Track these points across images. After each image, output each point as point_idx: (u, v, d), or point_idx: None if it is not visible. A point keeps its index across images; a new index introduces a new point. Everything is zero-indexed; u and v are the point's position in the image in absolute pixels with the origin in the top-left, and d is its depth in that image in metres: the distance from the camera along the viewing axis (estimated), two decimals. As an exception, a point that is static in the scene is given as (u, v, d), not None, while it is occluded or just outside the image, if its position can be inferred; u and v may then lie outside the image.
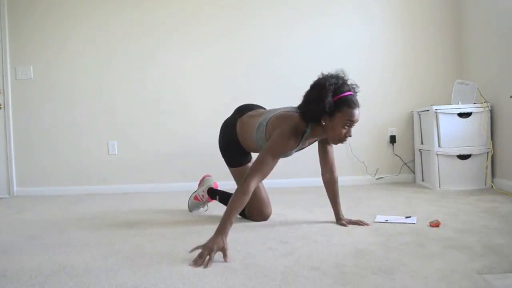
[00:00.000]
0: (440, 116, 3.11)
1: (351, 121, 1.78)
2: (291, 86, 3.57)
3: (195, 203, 2.57)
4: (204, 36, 3.64)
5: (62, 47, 3.65)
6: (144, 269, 1.50)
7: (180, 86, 3.65)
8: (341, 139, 1.83)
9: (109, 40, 3.65)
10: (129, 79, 3.65)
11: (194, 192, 2.60)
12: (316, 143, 2.18)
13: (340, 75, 1.82)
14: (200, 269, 1.49)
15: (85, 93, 3.66)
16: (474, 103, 3.14)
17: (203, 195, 2.53)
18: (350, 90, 1.80)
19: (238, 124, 2.20)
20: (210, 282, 1.36)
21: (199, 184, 2.63)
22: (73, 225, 2.30)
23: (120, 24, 3.65)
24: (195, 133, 3.61)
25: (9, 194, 3.64)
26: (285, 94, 3.52)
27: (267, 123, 1.99)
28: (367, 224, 2.07)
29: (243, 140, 2.17)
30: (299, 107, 1.89)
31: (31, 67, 3.64)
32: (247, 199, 1.73)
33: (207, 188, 2.53)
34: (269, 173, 1.82)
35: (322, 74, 1.84)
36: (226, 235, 1.65)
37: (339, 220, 2.14)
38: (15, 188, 3.65)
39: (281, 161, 3.64)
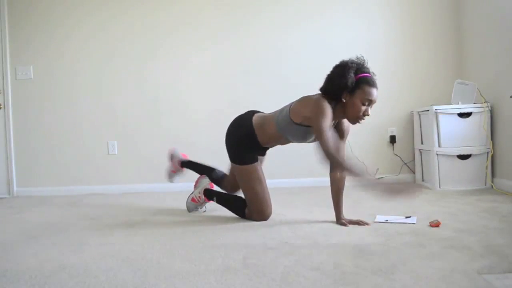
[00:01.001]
0: (440, 116, 3.11)
1: (370, 100, 1.92)
2: (291, 86, 3.58)
3: (193, 204, 2.57)
4: (204, 37, 3.65)
5: (62, 47, 3.65)
6: (144, 269, 1.50)
7: (180, 86, 3.66)
8: (359, 117, 1.96)
9: (109, 40, 3.65)
10: (129, 79, 3.65)
11: (191, 193, 2.60)
12: None
13: (360, 59, 1.99)
14: (200, 269, 1.49)
15: (85, 93, 3.66)
16: (474, 103, 3.14)
17: (199, 197, 2.53)
18: (369, 73, 1.97)
19: (254, 117, 2.24)
20: (210, 282, 1.36)
21: (195, 186, 2.64)
22: (73, 225, 2.30)
23: (120, 24, 3.65)
24: (195, 133, 3.61)
25: (9, 194, 3.64)
26: (285, 94, 3.51)
27: (290, 106, 2.08)
28: (367, 224, 2.07)
29: (260, 128, 2.17)
30: (321, 87, 2.02)
31: (31, 67, 3.64)
32: (338, 155, 1.91)
33: (203, 189, 2.53)
34: (331, 137, 1.91)
35: (344, 59, 1.99)
36: (367, 173, 1.91)
37: (339, 219, 2.14)
38: (15, 188, 3.65)
39: (281, 161, 3.65)
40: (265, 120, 2.19)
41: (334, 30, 3.64)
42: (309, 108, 1.97)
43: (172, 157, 2.78)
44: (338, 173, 2.18)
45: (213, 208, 2.59)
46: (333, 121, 2.08)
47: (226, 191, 2.48)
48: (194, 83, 3.66)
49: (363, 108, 1.93)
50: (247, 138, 2.20)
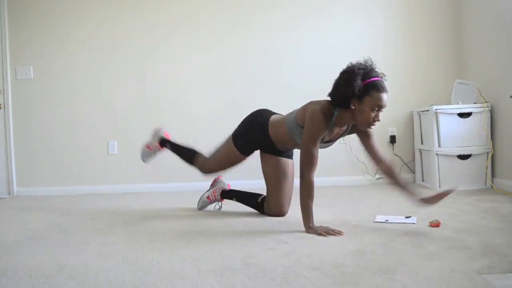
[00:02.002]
0: (440, 116, 3.11)
1: (379, 105, 1.85)
2: (291, 86, 3.58)
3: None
4: (204, 36, 3.65)
5: (62, 47, 3.65)
6: (144, 269, 1.50)
7: (180, 86, 3.66)
8: (370, 123, 1.90)
9: (109, 40, 3.65)
10: (129, 79, 3.65)
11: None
12: (359, 144, 2.15)
13: (368, 62, 1.92)
14: (200, 269, 1.49)
15: (85, 93, 3.66)
16: (474, 103, 3.14)
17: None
18: (378, 76, 1.90)
19: (271, 117, 2.28)
20: (210, 282, 1.36)
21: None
22: (73, 225, 2.30)
23: (120, 24, 3.65)
24: (195, 133, 3.60)
25: (9, 194, 3.64)
26: (285, 94, 3.53)
27: (296, 113, 2.11)
28: (448, 193, 1.94)
29: (273, 130, 2.22)
30: (329, 93, 1.98)
31: (31, 67, 3.64)
32: (313, 189, 1.96)
33: (220, 190, 2.55)
34: (317, 159, 1.96)
35: (351, 62, 1.94)
36: (312, 223, 1.94)
37: (417, 200, 2.00)
38: (15, 188, 3.65)
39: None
40: (280, 120, 2.23)
41: (334, 30, 3.64)
42: (306, 118, 1.99)
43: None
44: (384, 165, 2.07)
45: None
46: (345, 128, 2.08)
47: (199, 170, 2.49)
48: (194, 83, 3.66)
49: (373, 114, 1.87)
50: (261, 131, 2.25)
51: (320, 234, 1.88)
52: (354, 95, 1.86)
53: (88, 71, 3.66)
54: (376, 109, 1.86)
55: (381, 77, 1.92)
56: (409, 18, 3.64)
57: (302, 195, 1.96)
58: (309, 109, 1.99)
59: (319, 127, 1.93)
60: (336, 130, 2.06)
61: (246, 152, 2.33)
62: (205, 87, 3.65)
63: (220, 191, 2.54)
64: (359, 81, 1.85)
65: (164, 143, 2.63)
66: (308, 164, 1.94)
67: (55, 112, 3.65)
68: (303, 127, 2.04)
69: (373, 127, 1.93)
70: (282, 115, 2.34)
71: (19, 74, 3.64)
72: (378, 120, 1.89)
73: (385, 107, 1.87)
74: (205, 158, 2.44)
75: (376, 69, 1.92)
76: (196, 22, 3.65)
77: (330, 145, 2.18)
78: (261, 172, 2.38)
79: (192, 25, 3.65)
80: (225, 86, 3.64)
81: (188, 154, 2.52)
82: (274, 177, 2.31)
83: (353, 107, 1.90)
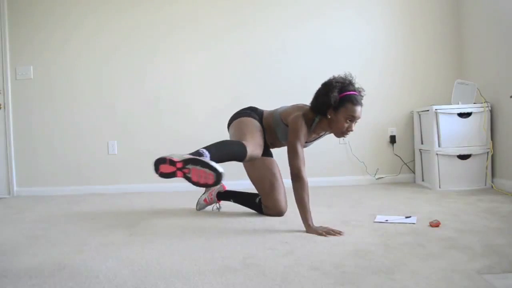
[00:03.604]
0: (440, 116, 3.11)
1: (353, 117, 2.01)
2: (291, 86, 3.58)
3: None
4: (204, 36, 3.65)
5: (62, 47, 3.65)
6: (144, 269, 1.50)
7: (180, 86, 3.66)
8: (344, 132, 2.06)
9: (109, 40, 3.65)
10: (129, 79, 3.65)
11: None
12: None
13: (348, 77, 2.07)
14: (200, 269, 1.49)
15: (85, 93, 3.66)
16: (474, 103, 3.14)
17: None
18: (355, 91, 2.04)
19: (264, 112, 2.42)
20: (210, 282, 1.36)
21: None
22: (73, 225, 2.30)
23: (120, 24, 3.65)
24: (195, 133, 3.60)
25: (9, 194, 3.64)
26: (285, 94, 3.53)
27: (281, 111, 2.28)
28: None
29: (266, 119, 2.36)
30: (311, 101, 2.12)
31: (31, 67, 3.64)
32: (307, 185, 2.00)
33: (216, 192, 2.54)
34: (303, 156, 2.06)
35: (333, 76, 2.08)
36: (311, 222, 1.96)
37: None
38: (15, 188, 3.65)
39: (280, 161, 3.65)
40: (269, 112, 2.39)
41: (334, 30, 3.64)
42: (289, 120, 2.13)
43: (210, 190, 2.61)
44: None
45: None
46: (322, 133, 2.24)
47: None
48: (195, 83, 3.66)
49: (346, 124, 2.02)
50: (258, 120, 2.34)
51: (320, 234, 1.88)
52: (330, 105, 2.01)
53: (88, 71, 3.66)
54: (349, 120, 2.01)
55: (359, 92, 2.05)
56: (409, 18, 3.64)
57: (297, 193, 2.01)
58: (293, 114, 2.13)
59: (301, 129, 2.07)
60: (316, 132, 2.20)
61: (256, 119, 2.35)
62: (205, 87, 3.65)
63: (216, 192, 2.54)
64: (335, 93, 2.00)
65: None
66: (297, 161, 2.03)
67: (55, 112, 3.65)
68: (285, 125, 2.21)
69: (346, 136, 2.09)
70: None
71: (19, 74, 3.64)
72: (351, 130, 2.05)
73: (358, 118, 2.02)
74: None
75: (355, 84, 2.06)
76: (196, 22, 3.65)
77: (308, 145, 2.32)
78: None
79: (192, 25, 3.65)
80: (225, 86, 3.64)
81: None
82: (265, 179, 2.32)
83: (329, 117, 2.05)
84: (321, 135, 2.28)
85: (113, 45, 3.65)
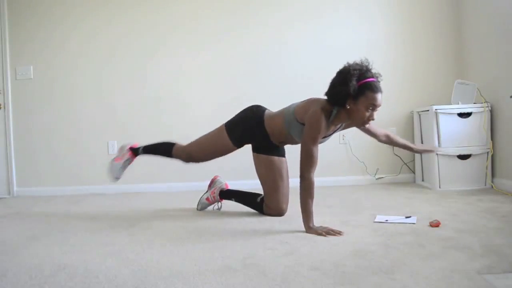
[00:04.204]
0: (440, 116, 3.11)
1: (374, 105, 1.90)
2: (291, 86, 3.58)
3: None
4: (204, 36, 3.64)
5: (62, 47, 3.65)
6: (144, 269, 1.50)
7: (180, 86, 3.65)
8: (365, 122, 1.97)
9: (109, 40, 3.65)
10: (129, 79, 3.65)
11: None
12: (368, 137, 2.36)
13: (364, 63, 1.95)
14: (200, 269, 1.49)
15: (85, 93, 3.66)
16: (474, 103, 3.14)
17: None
18: (373, 77, 1.93)
19: (266, 111, 2.33)
20: (210, 282, 1.36)
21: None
22: (73, 225, 2.30)
23: (120, 24, 3.65)
24: (195, 133, 3.54)
25: (9, 194, 3.64)
26: (285, 94, 3.52)
27: (295, 108, 2.15)
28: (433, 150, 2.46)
29: (269, 121, 2.26)
30: (326, 92, 2.01)
31: (31, 67, 3.64)
32: (313, 188, 1.98)
33: (218, 190, 2.54)
34: (317, 159, 1.99)
35: (348, 63, 1.97)
36: (312, 223, 1.95)
37: (421, 149, 2.46)
38: (15, 188, 3.65)
39: (290, 158, 3.63)
40: (276, 112, 2.28)
41: (334, 30, 3.64)
42: (306, 117, 2.03)
43: (212, 183, 2.63)
44: (385, 137, 2.31)
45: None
46: (339, 125, 2.13)
47: (181, 159, 2.49)
48: (195, 83, 3.66)
49: (367, 113, 1.92)
50: (256, 125, 2.27)
51: (320, 234, 1.88)
52: (349, 95, 1.90)
53: (88, 71, 3.66)
54: (371, 108, 1.91)
55: (377, 78, 1.95)
56: (409, 18, 3.64)
57: (303, 195, 1.98)
58: (311, 109, 2.01)
59: (320, 129, 1.97)
60: (332, 127, 2.10)
61: (238, 143, 2.32)
62: (205, 86, 3.65)
63: (219, 191, 2.54)
64: (354, 82, 1.89)
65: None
66: (308, 164, 1.97)
67: (55, 112, 3.65)
68: (301, 124, 2.08)
69: (367, 125, 2.02)
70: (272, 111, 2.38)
71: (19, 74, 3.64)
72: (373, 119, 1.96)
73: (379, 106, 1.92)
74: (185, 145, 2.45)
75: (372, 70, 1.95)
76: (196, 22, 3.65)
77: (325, 140, 2.23)
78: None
79: (192, 25, 3.65)
80: (225, 86, 3.64)
81: (164, 148, 2.51)
82: (270, 178, 2.32)
83: (348, 107, 1.94)
84: (338, 127, 2.16)
85: (113, 45, 3.65)
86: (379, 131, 2.29)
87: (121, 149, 2.62)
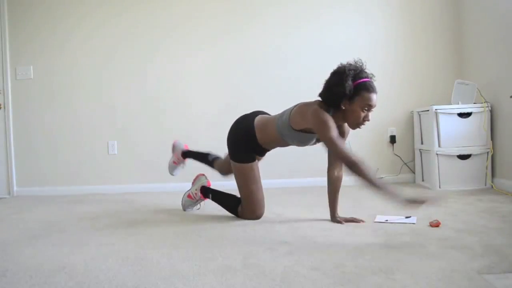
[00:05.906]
0: (440, 116, 3.11)
1: (369, 105, 1.91)
2: (291, 86, 3.58)
3: (189, 201, 2.59)
4: (204, 37, 3.64)
5: (62, 47, 3.65)
6: (144, 269, 1.50)
7: (180, 87, 3.65)
8: (360, 123, 1.95)
9: (109, 40, 3.65)
10: (129, 79, 3.65)
11: (188, 190, 2.62)
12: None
13: (358, 63, 1.95)
14: (200, 269, 1.49)
15: (85, 93, 3.66)
16: (474, 103, 3.14)
17: (196, 193, 2.55)
18: (367, 77, 1.93)
19: (257, 117, 2.26)
20: (210, 282, 1.36)
21: (193, 183, 2.65)
22: (73, 225, 2.30)
23: (120, 24, 3.65)
24: (195, 133, 3.60)
25: (9, 194, 3.64)
26: (285, 94, 3.53)
27: (291, 111, 2.08)
28: (362, 221, 2.09)
29: (260, 128, 2.19)
30: (320, 93, 2.00)
31: (31, 67, 3.64)
32: (362, 162, 1.80)
33: (200, 187, 2.55)
34: (342, 141, 1.98)
35: (341, 63, 1.95)
36: (397, 193, 1.72)
37: (334, 218, 2.17)
38: (15, 188, 3.65)
39: (281, 161, 3.65)
40: (267, 121, 2.20)
41: (334, 30, 3.64)
42: (308, 120, 1.96)
43: (174, 148, 2.85)
44: (336, 172, 2.18)
45: (213, 207, 2.59)
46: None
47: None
48: (195, 83, 3.66)
49: (363, 114, 1.92)
50: (246, 136, 2.22)
51: (420, 203, 1.68)
52: (345, 95, 1.89)
53: (88, 71, 3.66)
54: (366, 109, 1.92)
55: (371, 78, 1.95)
56: (409, 18, 3.64)
57: (362, 174, 1.79)
58: (309, 111, 1.96)
59: (327, 118, 1.90)
60: None
61: (250, 159, 2.23)
62: (205, 87, 3.65)
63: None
64: (350, 82, 1.88)
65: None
66: (341, 152, 1.85)
67: (55, 112, 3.65)
68: (298, 131, 2.05)
69: (362, 126, 1.99)
70: (269, 114, 2.32)
71: (19, 74, 3.64)
72: (368, 120, 1.96)
73: (374, 107, 1.93)
74: (241, 206, 2.30)
75: (366, 70, 1.95)
76: (196, 22, 3.65)
77: (315, 143, 2.16)
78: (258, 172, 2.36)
79: (192, 25, 3.65)
80: (226, 86, 3.64)
81: (231, 204, 2.39)
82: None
83: (344, 108, 1.93)
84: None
85: (113, 45, 3.65)
86: (336, 164, 2.16)
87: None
